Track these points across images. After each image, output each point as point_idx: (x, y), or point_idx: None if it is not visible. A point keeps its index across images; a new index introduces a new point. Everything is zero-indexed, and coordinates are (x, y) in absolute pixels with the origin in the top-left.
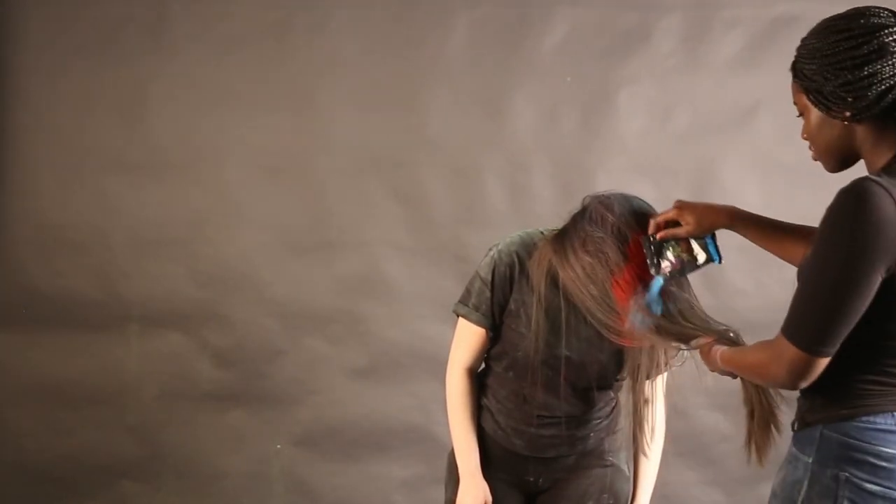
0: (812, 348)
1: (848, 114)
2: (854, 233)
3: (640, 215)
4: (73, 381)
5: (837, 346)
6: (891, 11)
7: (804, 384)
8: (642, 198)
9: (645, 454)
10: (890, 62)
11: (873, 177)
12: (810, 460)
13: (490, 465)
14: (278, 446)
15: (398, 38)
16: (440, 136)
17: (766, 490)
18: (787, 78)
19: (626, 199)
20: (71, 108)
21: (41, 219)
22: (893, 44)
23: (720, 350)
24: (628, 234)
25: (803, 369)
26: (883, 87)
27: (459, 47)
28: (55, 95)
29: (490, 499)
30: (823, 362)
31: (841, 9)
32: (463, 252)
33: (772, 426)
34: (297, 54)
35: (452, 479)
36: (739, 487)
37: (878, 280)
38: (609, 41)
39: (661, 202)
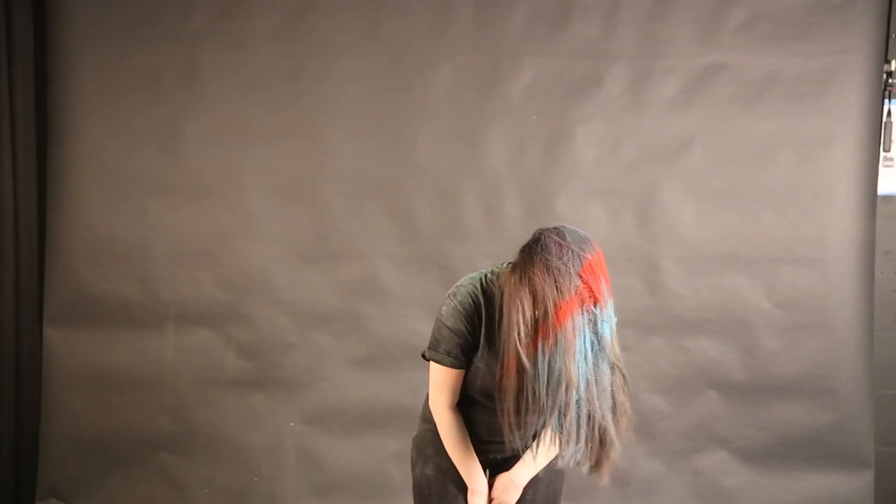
0: None
1: None
2: None
3: (587, 243)
4: (119, 369)
5: None
6: None
7: None
8: (595, 217)
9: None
10: None
11: None
12: None
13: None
14: (291, 424)
15: (392, 82)
16: (427, 165)
17: (700, 461)
18: (717, 116)
19: (572, 229)
20: (117, 142)
21: (92, 234)
22: None
23: None
24: (582, 258)
25: None
26: None
27: (443, 90)
28: (104, 131)
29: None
30: None
31: (763, 60)
32: (446, 262)
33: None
34: (306, 95)
35: (420, 458)
36: (676, 458)
37: None
38: (568, 85)
39: (611, 221)
